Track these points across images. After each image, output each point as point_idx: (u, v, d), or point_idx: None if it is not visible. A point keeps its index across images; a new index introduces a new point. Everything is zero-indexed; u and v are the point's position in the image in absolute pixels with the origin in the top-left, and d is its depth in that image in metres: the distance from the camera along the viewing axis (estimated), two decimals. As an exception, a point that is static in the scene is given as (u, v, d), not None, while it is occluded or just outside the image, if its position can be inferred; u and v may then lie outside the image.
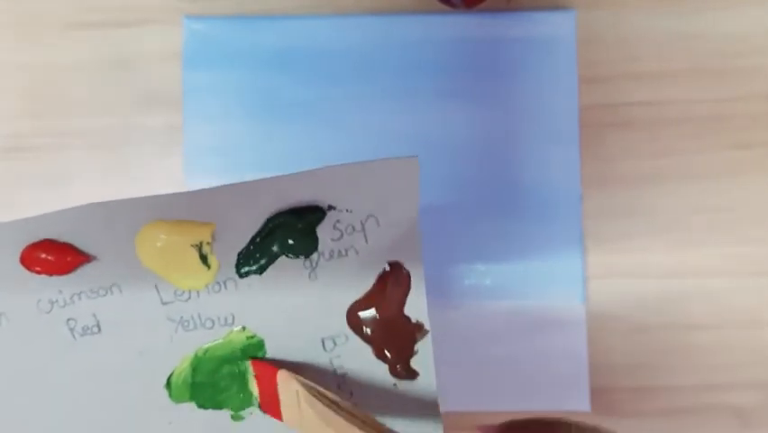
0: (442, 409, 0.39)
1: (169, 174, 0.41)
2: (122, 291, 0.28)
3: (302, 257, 0.29)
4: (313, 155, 0.40)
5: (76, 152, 0.41)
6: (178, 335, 0.29)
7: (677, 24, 0.41)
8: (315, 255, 0.29)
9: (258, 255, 0.29)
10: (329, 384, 0.30)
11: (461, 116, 0.40)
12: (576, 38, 0.41)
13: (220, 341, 0.30)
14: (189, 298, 0.29)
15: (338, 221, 0.28)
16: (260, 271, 0.29)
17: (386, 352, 0.31)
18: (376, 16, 0.41)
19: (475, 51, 0.41)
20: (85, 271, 0.28)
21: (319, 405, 0.27)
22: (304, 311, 0.30)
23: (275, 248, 0.28)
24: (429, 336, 0.31)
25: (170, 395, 0.30)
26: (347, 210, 0.28)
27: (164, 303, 0.29)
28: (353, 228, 0.29)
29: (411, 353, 0.31)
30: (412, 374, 0.31)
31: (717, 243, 0.41)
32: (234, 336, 0.30)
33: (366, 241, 0.29)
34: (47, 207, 0.40)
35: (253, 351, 0.30)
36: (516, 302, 0.40)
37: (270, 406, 0.30)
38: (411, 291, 0.30)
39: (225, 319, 0.29)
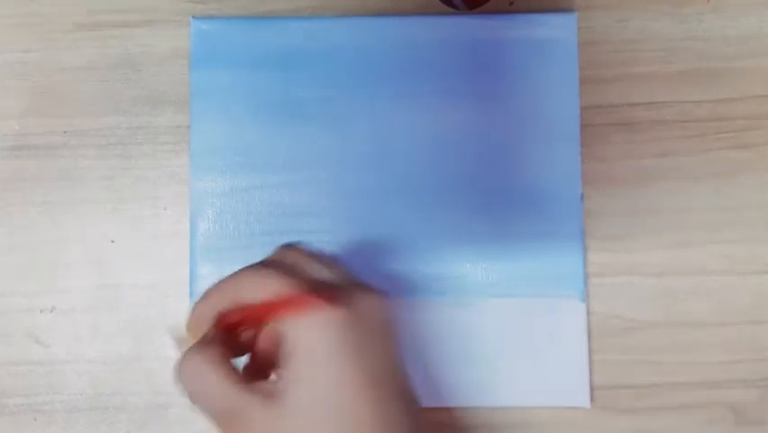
0: (440, 405, 0.40)
1: (176, 173, 0.41)
2: None
3: None
4: (318, 154, 0.41)
5: (83, 151, 0.42)
6: None
7: (677, 26, 0.42)
8: None
9: None
10: None
11: (464, 117, 0.41)
12: (577, 39, 0.41)
13: None
14: None
15: None
16: None
17: None
18: (379, 18, 0.41)
19: (477, 53, 0.41)
20: None
21: None
22: None
23: None
24: None
25: None
26: None
27: None
28: None
29: None
30: None
31: (716, 242, 0.41)
32: None
33: None
34: (55, 206, 0.41)
35: None
36: (517, 300, 0.40)
37: None
38: None
39: None
